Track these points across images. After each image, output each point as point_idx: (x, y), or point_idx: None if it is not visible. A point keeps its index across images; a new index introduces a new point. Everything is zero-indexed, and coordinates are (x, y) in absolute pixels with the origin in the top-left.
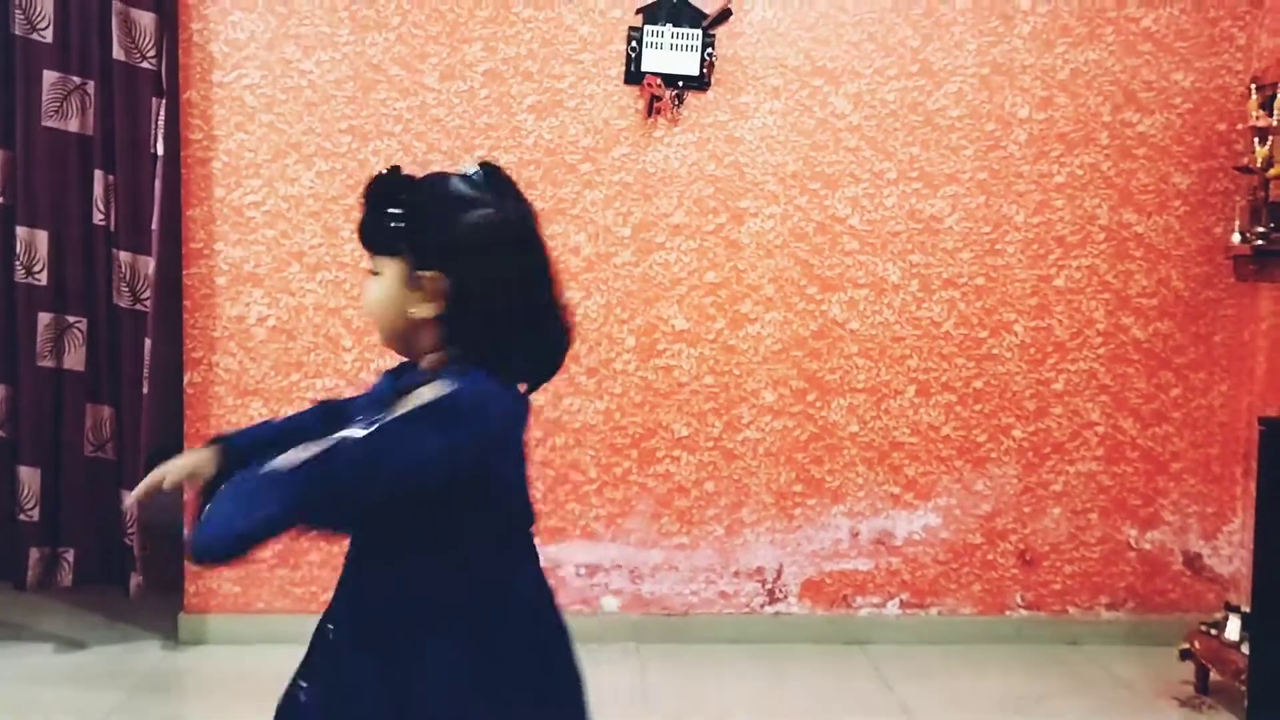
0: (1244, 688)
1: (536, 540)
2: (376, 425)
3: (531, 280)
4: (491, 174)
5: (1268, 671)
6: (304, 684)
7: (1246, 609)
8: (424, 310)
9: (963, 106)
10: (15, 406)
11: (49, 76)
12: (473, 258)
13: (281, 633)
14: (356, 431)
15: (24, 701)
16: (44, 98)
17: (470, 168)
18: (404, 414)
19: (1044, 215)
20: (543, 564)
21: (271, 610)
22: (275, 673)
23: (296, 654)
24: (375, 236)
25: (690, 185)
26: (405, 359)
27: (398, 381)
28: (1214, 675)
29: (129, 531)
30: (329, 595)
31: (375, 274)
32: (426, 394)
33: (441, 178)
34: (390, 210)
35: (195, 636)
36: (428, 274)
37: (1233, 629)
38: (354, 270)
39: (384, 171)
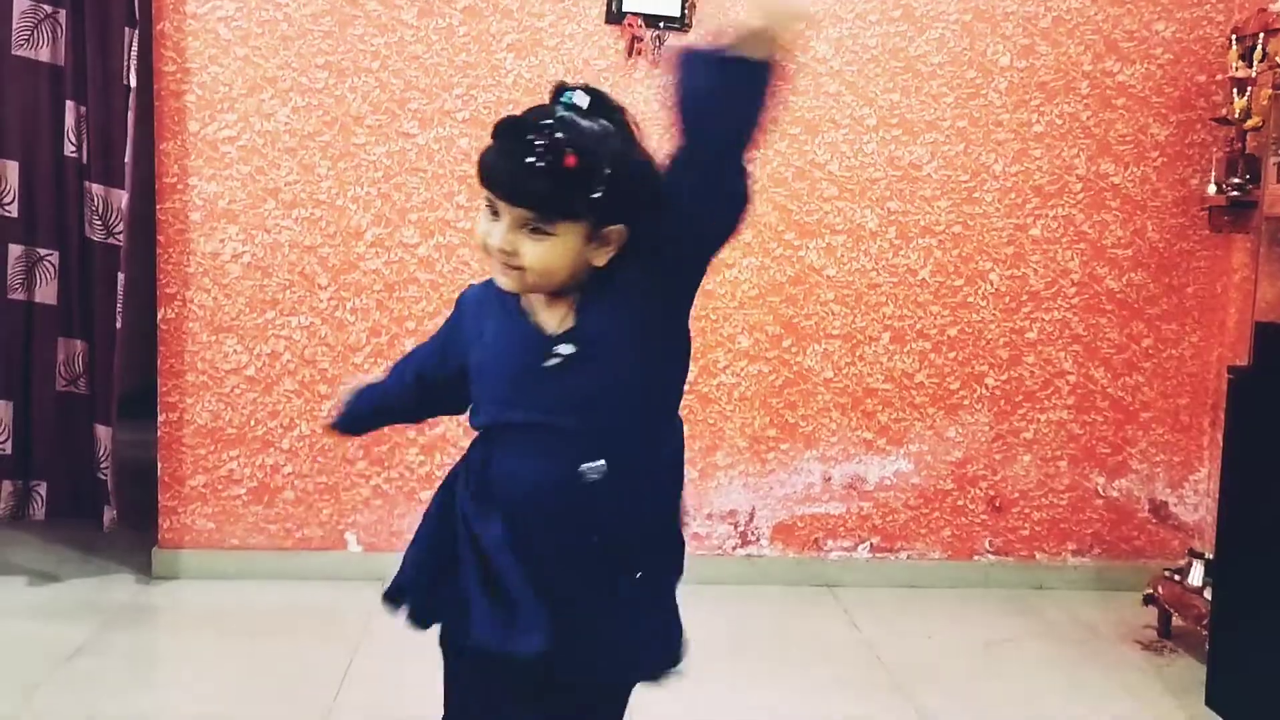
0: (1205, 632)
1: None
2: None
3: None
4: (591, 93)
5: (1229, 616)
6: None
7: (1210, 556)
8: (602, 258)
9: (944, 53)
10: None
11: (19, 4)
12: (647, 204)
13: (255, 569)
14: None
15: None
16: (14, 25)
17: (579, 97)
18: None
19: (1022, 164)
20: None
21: (245, 546)
22: (248, 608)
23: (269, 590)
24: (561, 207)
25: (669, 128)
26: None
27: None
28: (1176, 620)
29: (102, 465)
30: (303, 532)
31: (541, 232)
32: None
33: (594, 132)
34: (588, 182)
35: (169, 571)
36: (614, 229)
37: (1196, 575)
38: (330, 207)
39: (559, 134)
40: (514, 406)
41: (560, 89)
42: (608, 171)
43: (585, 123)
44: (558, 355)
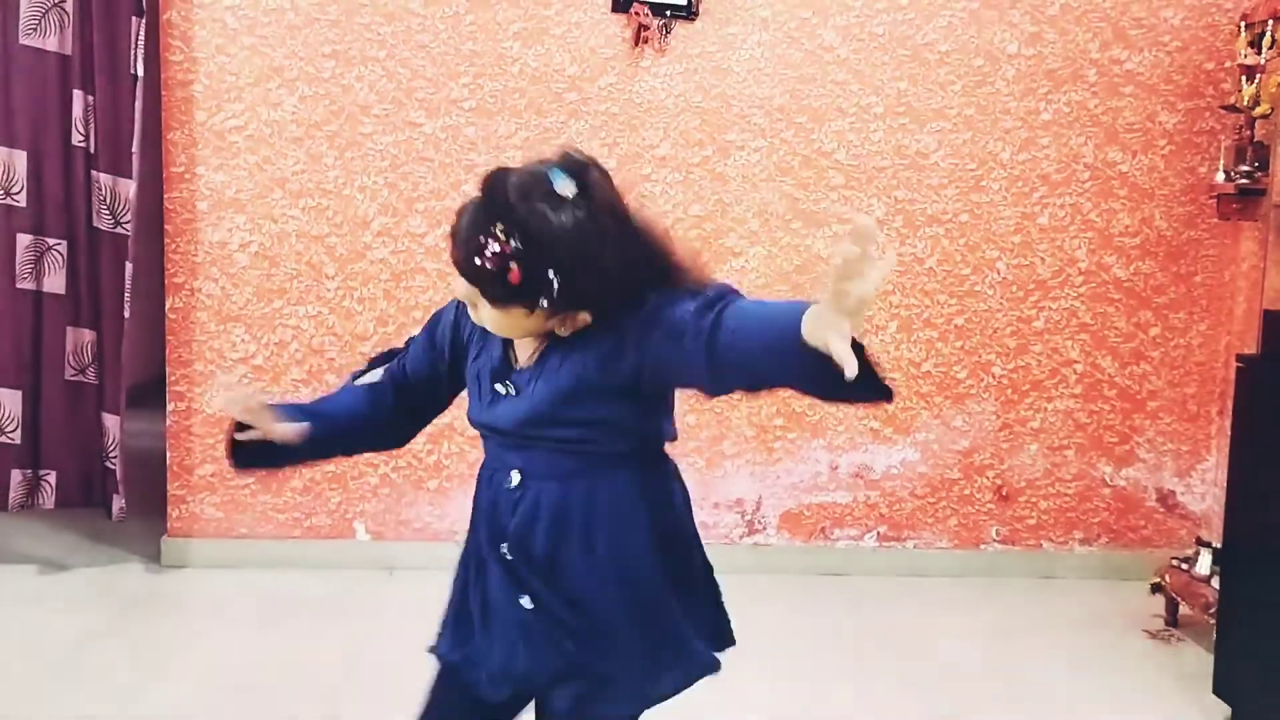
0: (1213, 621)
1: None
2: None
3: (649, 259)
4: (582, 180)
5: (1236, 605)
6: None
7: (1217, 545)
8: (567, 329)
9: (951, 41)
10: None
11: None
12: (616, 290)
13: (263, 557)
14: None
15: (6, 622)
16: (22, 15)
17: (564, 185)
18: None
19: (1029, 153)
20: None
21: (254, 535)
22: (256, 596)
23: (278, 578)
24: (512, 303)
25: (677, 117)
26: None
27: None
28: (1184, 609)
29: (110, 454)
30: (311, 521)
31: (497, 306)
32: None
33: (557, 236)
34: (536, 292)
35: (178, 560)
36: (579, 315)
37: (1203, 564)
38: (337, 197)
39: (499, 245)
40: (484, 413)
41: (553, 164)
42: (556, 283)
43: (556, 219)
44: (508, 386)
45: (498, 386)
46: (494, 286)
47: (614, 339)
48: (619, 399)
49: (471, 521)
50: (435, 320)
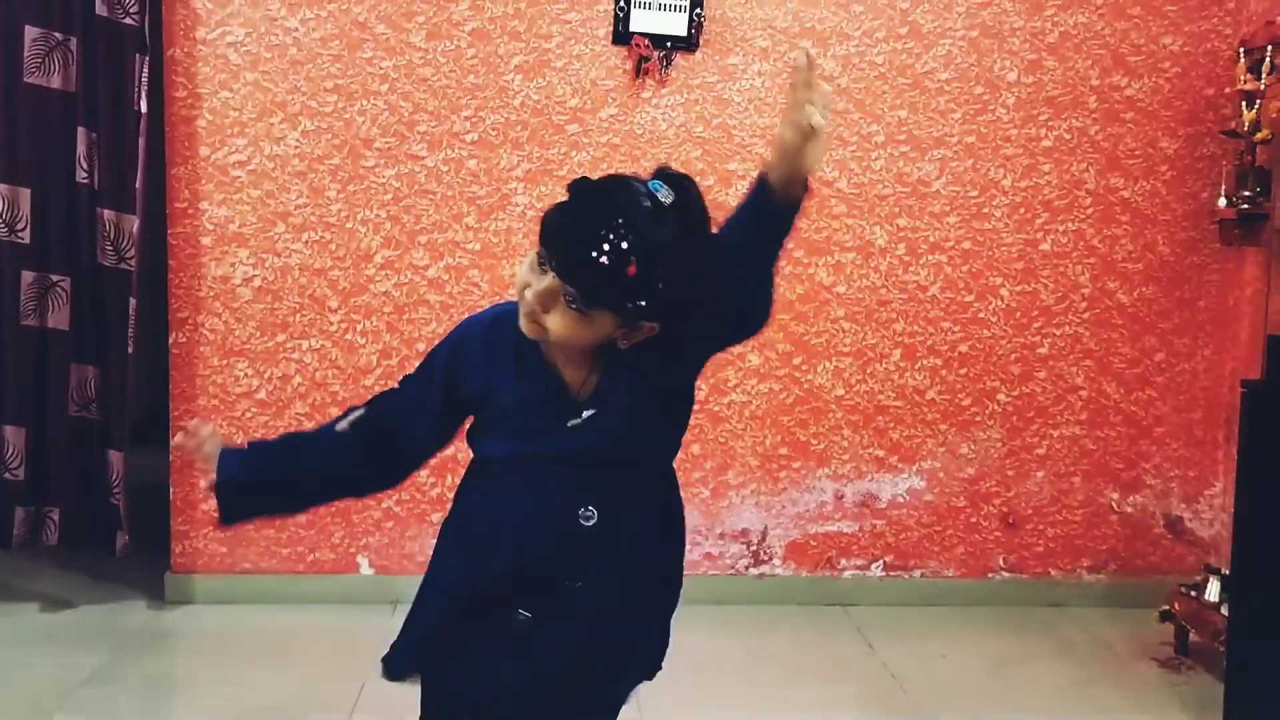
0: (1223, 649)
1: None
2: None
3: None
4: (679, 190)
5: (1246, 633)
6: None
7: (1226, 571)
8: (626, 343)
9: (951, 70)
10: None
11: (30, 32)
12: (687, 311)
13: (267, 593)
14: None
15: (9, 660)
16: (25, 54)
17: (665, 194)
18: None
19: (1031, 179)
20: None
21: (258, 570)
22: (261, 632)
23: (282, 613)
24: (605, 301)
25: (678, 147)
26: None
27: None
28: (1193, 636)
29: (114, 491)
30: (314, 556)
31: (577, 309)
32: None
33: (663, 242)
34: (639, 292)
35: (182, 596)
36: (648, 325)
37: (1213, 591)
38: (339, 230)
39: (615, 240)
40: (531, 442)
41: (656, 174)
42: (660, 286)
43: (658, 228)
44: (581, 418)
45: (585, 414)
46: (602, 285)
47: (657, 344)
48: (672, 410)
49: (475, 560)
50: (431, 359)
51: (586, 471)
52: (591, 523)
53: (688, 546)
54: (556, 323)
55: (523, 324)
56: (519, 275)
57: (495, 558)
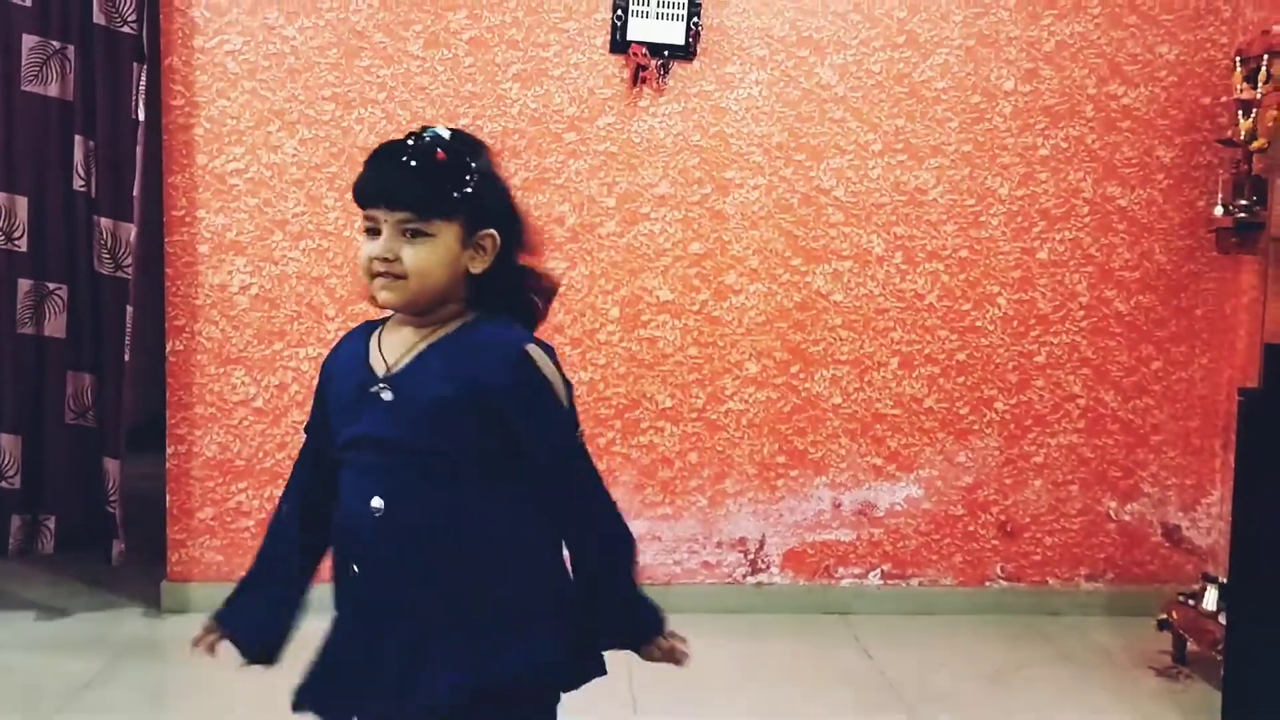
0: (1220, 657)
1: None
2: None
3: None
4: (457, 132)
5: (1244, 641)
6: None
7: (1224, 580)
8: (478, 265)
9: (948, 78)
10: None
11: (28, 40)
12: (513, 218)
13: None
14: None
15: (5, 668)
16: (23, 62)
17: (441, 129)
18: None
19: (1028, 188)
20: None
21: None
22: None
23: None
24: (435, 203)
25: (676, 155)
26: (383, 318)
27: (385, 336)
28: (1191, 645)
29: (110, 499)
30: None
31: (420, 235)
32: (534, 359)
33: (459, 139)
34: (458, 177)
35: (178, 604)
36: (487, 233)
37: (1210, 599)
38: (337, 239)
39: (428, 137)
40: (346, 425)
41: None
42: (474, 166)
43: (449, 137)
44: (376, 388)
45: (380, 389)
46: (423, 186)
47: (489, 379)
48: (469, 428)
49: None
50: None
51: (383, 459)
52: (379, 515)
53: (684, 555)
54: (410, 258)
55: (381, 294)
56: (360, 258)
57: (335, 547)
